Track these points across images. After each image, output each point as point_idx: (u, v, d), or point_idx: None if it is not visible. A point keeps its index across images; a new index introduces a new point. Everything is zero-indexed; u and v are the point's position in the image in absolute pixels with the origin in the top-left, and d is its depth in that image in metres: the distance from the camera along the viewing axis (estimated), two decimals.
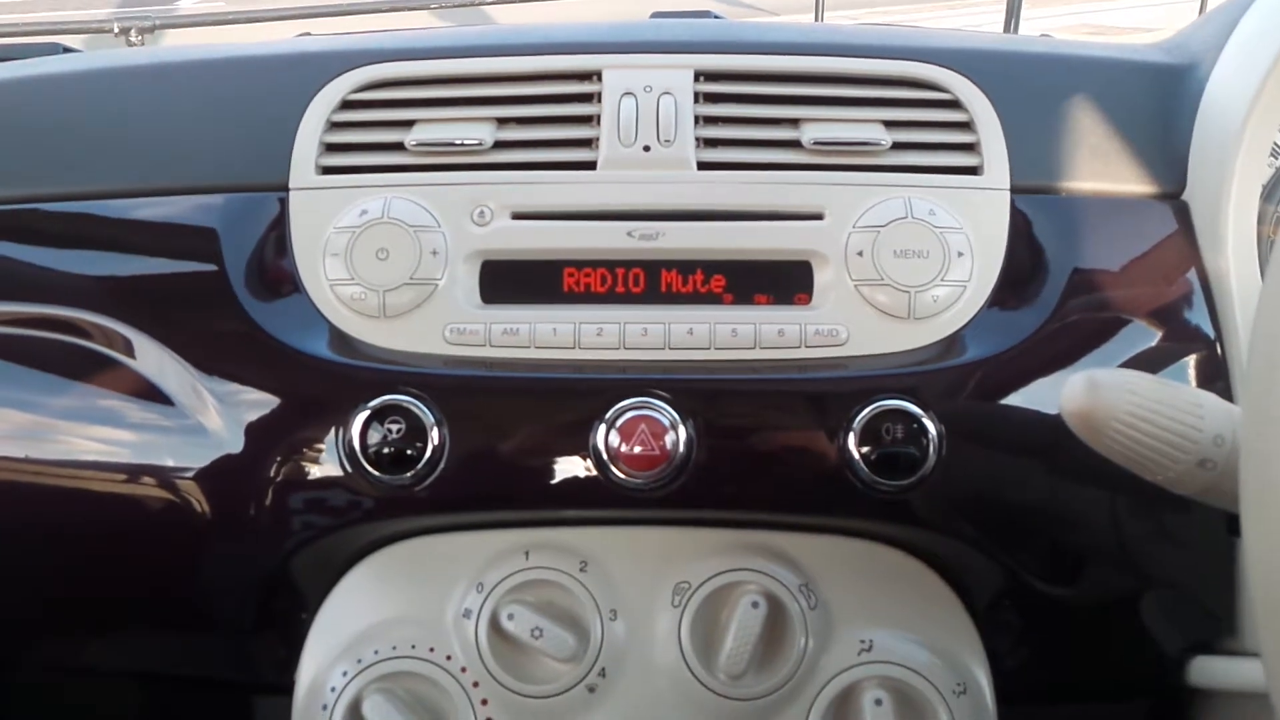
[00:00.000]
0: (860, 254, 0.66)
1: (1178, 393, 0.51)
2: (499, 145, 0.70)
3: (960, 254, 0.66)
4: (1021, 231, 0.68)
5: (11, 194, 0.72)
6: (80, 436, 0.68)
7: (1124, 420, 0.50)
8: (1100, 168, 0.70)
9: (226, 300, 0.68)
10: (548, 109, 0.71)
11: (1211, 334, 0.67)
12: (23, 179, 0.73)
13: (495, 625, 0.65)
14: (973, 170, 0.70)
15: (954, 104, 0.71)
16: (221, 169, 0.72)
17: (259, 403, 0.66)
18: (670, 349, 0.66)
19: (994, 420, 0.65)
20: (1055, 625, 0.67)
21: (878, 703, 0.64)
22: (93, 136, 0.74)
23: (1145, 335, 0.67)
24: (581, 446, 0.64)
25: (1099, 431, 0.50)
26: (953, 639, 0.66)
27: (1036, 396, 0.65)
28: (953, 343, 0.66)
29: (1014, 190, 0.69)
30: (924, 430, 0.63)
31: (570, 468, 0.64)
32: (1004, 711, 0.66)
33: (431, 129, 0.71)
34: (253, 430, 0.66)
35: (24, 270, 0.71)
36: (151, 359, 0.67)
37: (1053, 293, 0.67)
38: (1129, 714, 0.71)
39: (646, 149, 0.69)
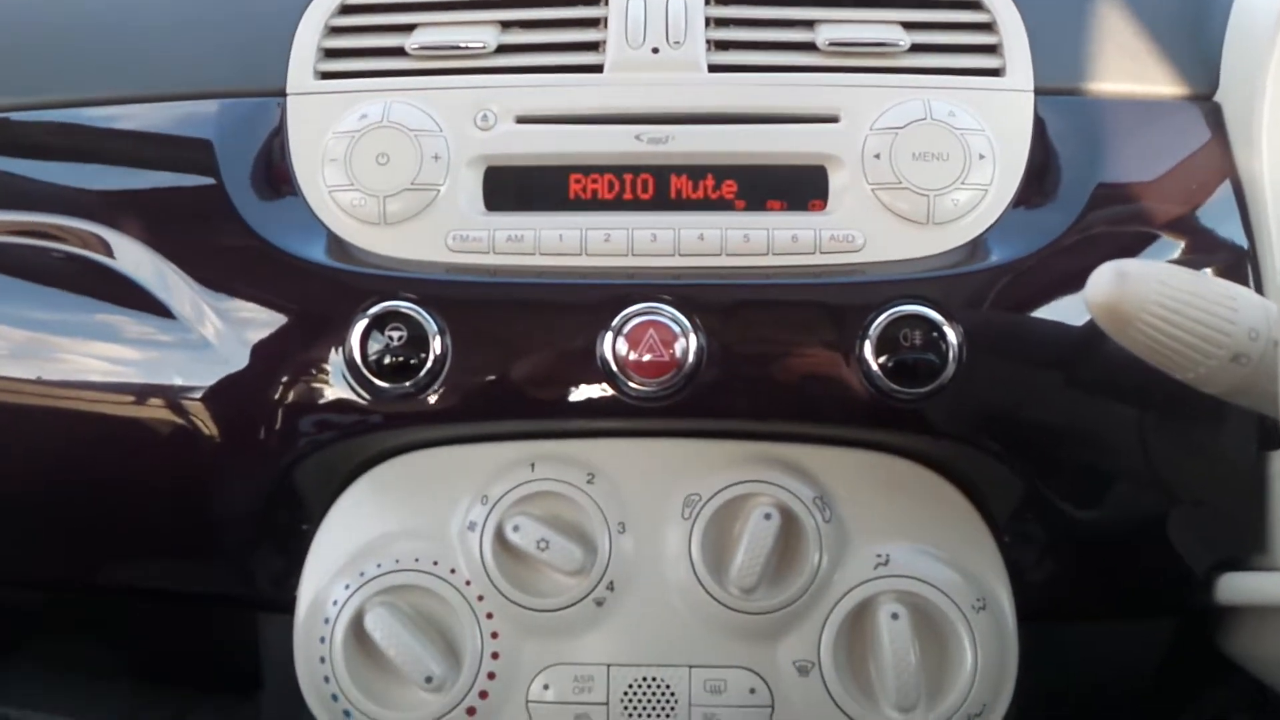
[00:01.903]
0: (877, 156, 0.64)
1: (1210, 284, 0.49)
2: (503, 49, 0.68)
3: (981, 156, 0.64)
4: (1045, 134, 0.66)
5: None
6: (76, 352, 0.66)
7: (1154, 312, 0.48)
8: (1128, 68, 0.67)
9: (224, 208, 0.66)
10: (553, 11, 0.69)
11: (1244, 240, 0.64)
12: (5, 87, 0.71)
13: (500, 538, 0.63)
14: (994, 72, 0.67)
15: (974, 4, 0.69)
16: (216, 75, 0.70)
17: (257, 311, 0.64)
18: (680, 255, 0.64)
19: (1016, 326, 0.63)
20: (1078, 541, 0.65)
21: (894, 617, 0.62)
22: (81, 42, 0.72)
23: (1174, 240, 0.64)
24: (588, 353, 0.62)
25: (1127, 324, 0.48)
26: (972, 554, 0.64)
27: (1061, 303, 0.63)
28: (974, 248, 0.64)
29: (1038, 92, 0.66)
30: (943, 336, 0.61)
31: (576, 375, 0.62)
32: (1025, 628, 0.64)
33: (433, 32, 0.68)
34: (251, 340, 0.64)
35: (10, 181, 0.69)
36: (148, 269, 0.66)
37: (1078, 197, 0.64)
38: (1153, 633, 0.69)
39: (655, 51, 0.67)
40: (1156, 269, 0.48)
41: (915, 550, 0.64)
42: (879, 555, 0.63)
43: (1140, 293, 0.48)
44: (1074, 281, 0.62)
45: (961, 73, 0.67)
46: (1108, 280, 0.48)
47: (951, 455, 0.64)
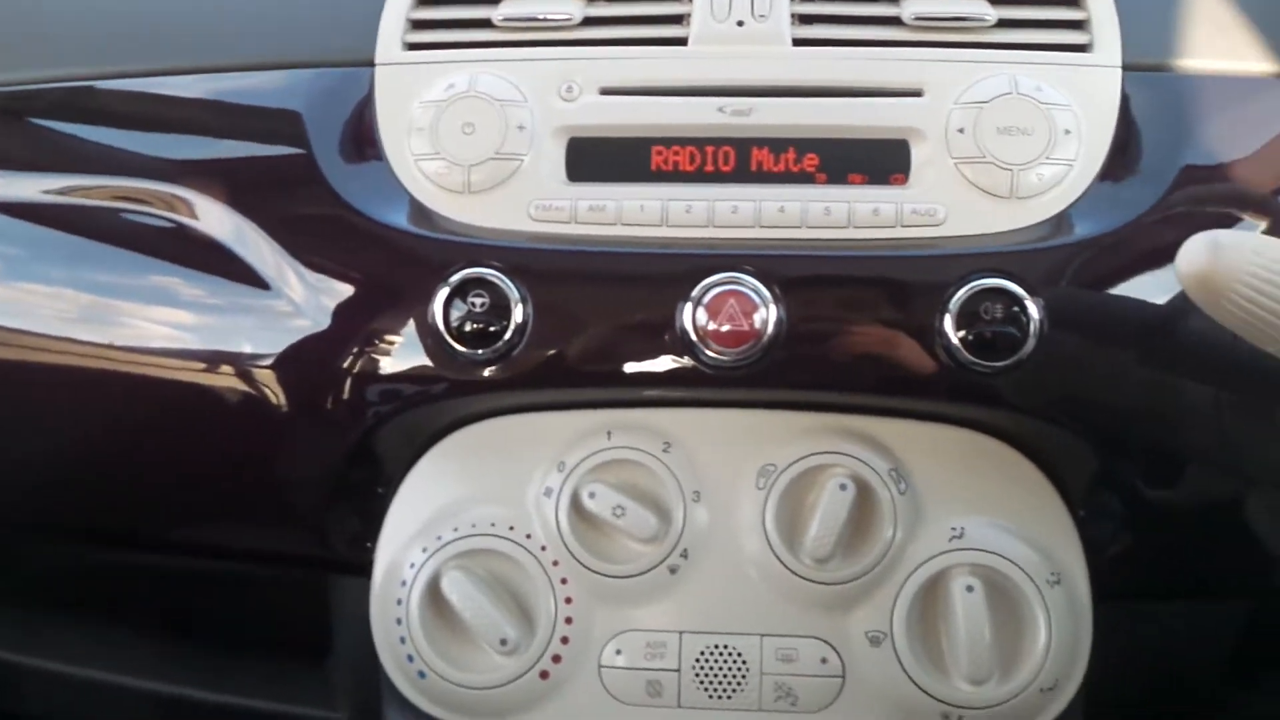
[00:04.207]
0: (961, 131, 0.64)
1: None
2: (588, 21, 0.69)
3: (1067, 132, 0.64)
4: (1133, 111, 0.65)
5: (79, 71, 0.72)
6: (153, 319, 0.68)
7: (1247, 283, 0.47)
8: (1219, 45, 0.67)
9: (311, 175, 0.67)
10: None
11: None
12: (92, 55, 0.73)
13: (576, 505, 0.64)
14: (1082, 48, 0.66)
15: None
16: (304, 46, 0.71)
17: (342, 275, 0.65)
18: (761, 226, 0.64)
19: (1098, 302, 0.63)
20: (1154, 520, 0.64)
21: (969, 590, 0.61)
22: (168, 10, 0.74)
23: (1261, 220, 0.63)
24: (668, 322, 0.62)
25: (1219, 296, 0.48)
26: (1048, 529, 0.64)
27: (1145, 280, 0.62)
28: (1057, 223, 0.63)
29: (1125, 68, 0.65)
30: (1025, 310, 0.60)
31: (656, 344, 0.63)
32: (1100, 606, 0.63)
33: (519, 4, 0.69)
34: (334, 303, 0.65)
35: (94, 148, 0.71)
36: (233, 233, 0.67)
37: (1165, 174, 0.64)
38: (1229, 614, 0.68)
39: (740, 24, 0.67)
40: (1250, 239, 0.48)
41: (990, 524, 0.63)
42: (954, 529, 0.63)
43: (1234, 263, 0.47)
44: (1159, 258, 0.62)
45: (1048, 48, 0.66)
46: (1200, 250, 0.47)
47: (1029, 431, 0.64)
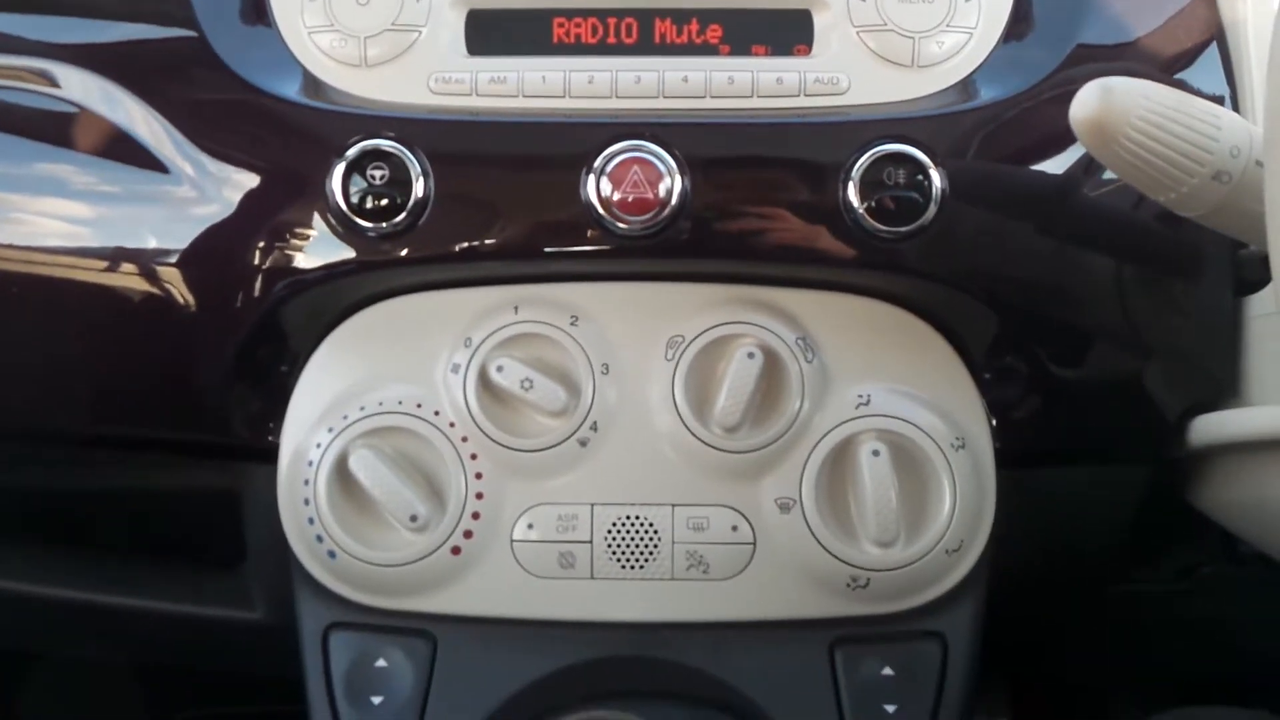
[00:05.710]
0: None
1: (1195, 102, 0.49)
2: None
3: (966, 0, 0.64)
4: None
5: None
6: (52, 213, 0.65)
7: (1138, 127, 0.48)
8: None
9: (202, 53, 0.65)
10: None
11: (1224, 87, 0.65)
12: None
13: (484, 380, 0.63)
14: None
15: None
16: None
17: (237, 152, 0.64)
18: (664, 97, 0.63)
19: (997, 167, 0.63)
20: (1054, 384, 0.65)
21: (875, 454, 0.62)
22: None
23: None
24: (572, 193, 0.61)
25: (1111, 139, 0.48)
26: (951, 395, 0.65)
27: (1042, 145, 0.63)
28: (958, 90, 0.64)
29: None
30: (926, 175, 0.61)
31: (560, 215, 0.62)
32: (1004, 473, 0.65)
33: None
34: (229, 179, 0.63)
35: None
36: (125, 116, 0.65)
37: (1063, 43, 0.64)
38: (1127, 482, 0.70)
39: None
40: (1141, 84, 0.48)
41: (896, 391, 0.64)
42: (860, 396, 0.64)
43: (1125, 106, 0.48)
44: (1055, 125, 0.62)
45: None
46: (1093, 95, 0.48)
47: (933, 298, 0.64)
